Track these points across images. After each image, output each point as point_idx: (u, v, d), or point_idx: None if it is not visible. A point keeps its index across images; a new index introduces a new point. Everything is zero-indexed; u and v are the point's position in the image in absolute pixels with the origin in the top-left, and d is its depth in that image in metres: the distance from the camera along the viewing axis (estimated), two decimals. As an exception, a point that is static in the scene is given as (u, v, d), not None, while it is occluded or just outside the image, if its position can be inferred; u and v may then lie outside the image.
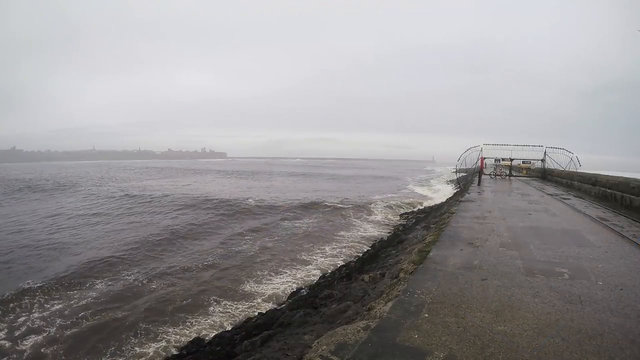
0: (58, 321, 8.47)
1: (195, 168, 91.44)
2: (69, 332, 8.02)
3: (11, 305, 9.22)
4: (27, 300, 9.48)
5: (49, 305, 9.28)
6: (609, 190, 14.50)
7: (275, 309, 8.95)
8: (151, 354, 7.26)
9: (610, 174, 18.45)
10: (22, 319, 8.60)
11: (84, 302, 9.43)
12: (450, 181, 45.98)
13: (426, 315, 4.01)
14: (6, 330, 8.10)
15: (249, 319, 8.49)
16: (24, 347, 7.50)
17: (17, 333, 8.00)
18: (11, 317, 8.69)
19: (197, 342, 7.62)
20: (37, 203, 27.83)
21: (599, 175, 18.01)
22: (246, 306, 9.29)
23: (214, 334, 7.92)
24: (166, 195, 29.97)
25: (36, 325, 8.29)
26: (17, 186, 39.70)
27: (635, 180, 13.03)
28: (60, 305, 9.25)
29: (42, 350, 7.42)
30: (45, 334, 7.96)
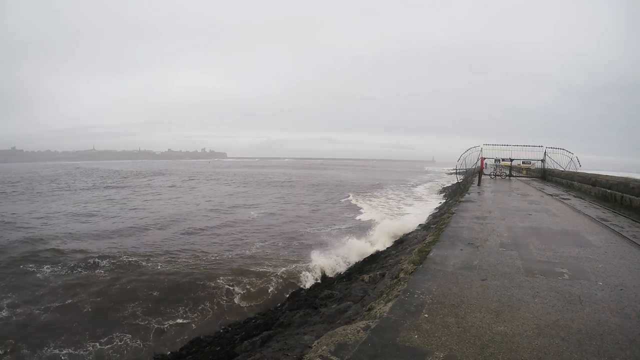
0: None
1: (153, 170, 79.78)
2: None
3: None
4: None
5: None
6: (609, 191, 14.51)
7: (276, 308, 8.95)
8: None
9: (610, 174, 18.46)
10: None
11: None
12: (444, 190, 38.26)
13: (426, 315, 4.00)
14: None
15: (249, 319, 8.49)
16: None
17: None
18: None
19: (197, 342, 7.62)
20: None
21: (599, 175, 18.03)
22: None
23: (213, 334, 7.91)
24: None
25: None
26: None
27: (635, 180, 13.03)
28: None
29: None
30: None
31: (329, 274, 11.23)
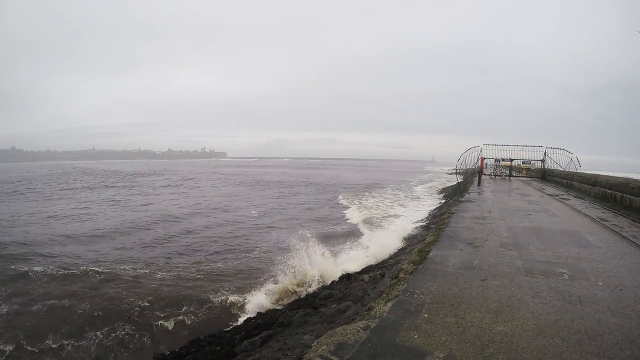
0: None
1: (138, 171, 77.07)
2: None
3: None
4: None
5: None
6: (609, 191, 14.51)
7: (275, 309, 8.95)
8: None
9: (610, 174, 18.47)
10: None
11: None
12: (443, 190, 37.22)
13: (426, 315, 4.00)
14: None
15: (249, 319, 8.49)
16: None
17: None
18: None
19: (197, 341, 7.62)
20: None
21: (599, 175, 18.03)
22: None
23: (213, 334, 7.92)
24: None
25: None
26: None
27: (635, 180, 13.04)
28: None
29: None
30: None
31: (329, 274, 11.20)
